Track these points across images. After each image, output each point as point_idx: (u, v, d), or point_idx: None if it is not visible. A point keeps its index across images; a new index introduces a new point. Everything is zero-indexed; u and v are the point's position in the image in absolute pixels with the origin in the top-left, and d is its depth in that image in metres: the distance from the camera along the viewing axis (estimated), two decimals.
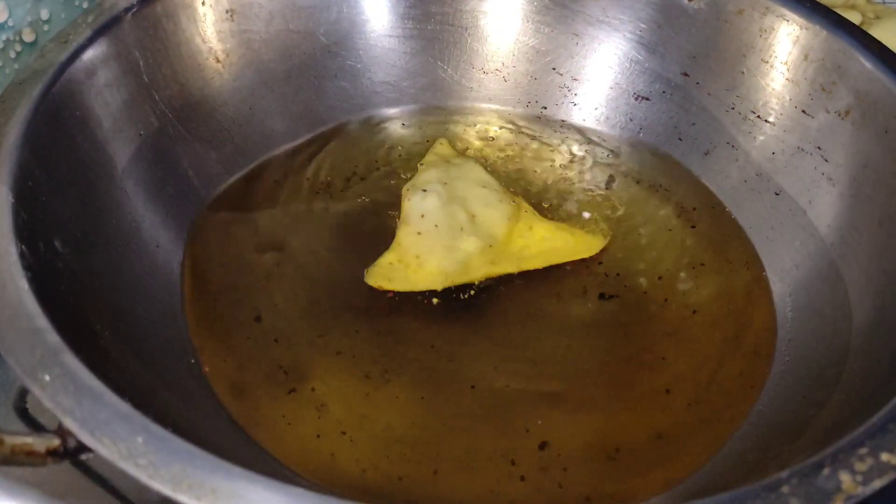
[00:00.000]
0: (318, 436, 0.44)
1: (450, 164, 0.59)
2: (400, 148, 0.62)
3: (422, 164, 0.60)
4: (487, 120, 0.65)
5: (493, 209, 0.55)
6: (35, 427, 0.48)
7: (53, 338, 0.34)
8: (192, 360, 0.47)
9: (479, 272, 0.53)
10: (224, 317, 0.50)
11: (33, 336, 0.34)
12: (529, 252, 0.54)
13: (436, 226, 0.54)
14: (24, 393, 0.50)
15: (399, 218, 0.55)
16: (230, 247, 0.54)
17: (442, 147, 0.62)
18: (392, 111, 0.65)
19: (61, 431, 0.32)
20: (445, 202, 0.55)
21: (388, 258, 0.53)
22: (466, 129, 0.64)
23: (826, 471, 0.30)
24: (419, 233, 0.54)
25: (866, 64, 0.51)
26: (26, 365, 0.33)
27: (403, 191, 0.57)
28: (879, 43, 0.52)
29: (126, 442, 0.31)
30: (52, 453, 0.31)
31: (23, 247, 0.38)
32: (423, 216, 0.54)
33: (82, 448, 0.31)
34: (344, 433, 0.44)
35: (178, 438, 0.31)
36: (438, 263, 0.52)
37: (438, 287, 0.52)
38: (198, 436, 0.35)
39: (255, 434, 0.43)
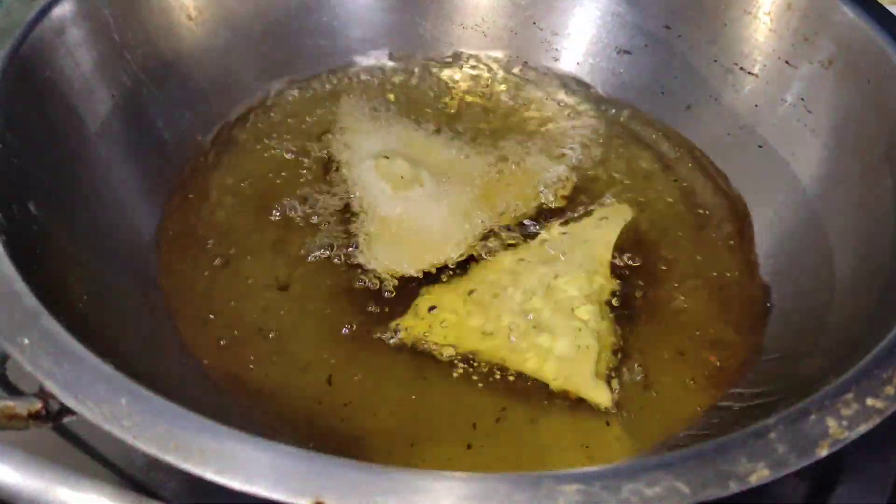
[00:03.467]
0: (320, 402, 0.44)
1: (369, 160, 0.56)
2: (378, 108, 0.61)
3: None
4: (468, 76, 0.64)
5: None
6: (15, 394, 0.48)
7: (31, 301, 0.34)
8: (171, 322, 0.46)
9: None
10: (202, 278, 0.49)
11: (11, 299, 0.34)
12: None
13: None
14: (3, 359, 0.49)
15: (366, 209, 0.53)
16: (207, 208, 0.53)
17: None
18: (370, 67, 0.64)
19: (43, 394, 0.31)
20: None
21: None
22: (446, 85, 0.63)
23: (813, 417, 0.31)
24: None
25: (849, 13, 0.51)
26: (5, 328, 0.32)
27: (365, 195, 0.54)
28: None
29: (109, 403, 0.30)
30: (35, 416, 0.31)
31: None
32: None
33: (65, 410, 0.31)
34: (346, 404, 0.44)
35: (162, 399, 0.30)
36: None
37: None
38: (180, 396, 0.35)
39: (237, 391, 0.43)
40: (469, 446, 0.42)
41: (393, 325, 0.47)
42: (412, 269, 0.49)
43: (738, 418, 0.41)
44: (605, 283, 0.48)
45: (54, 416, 0.31)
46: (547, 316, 0.46)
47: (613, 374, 0.45)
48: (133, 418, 0.30)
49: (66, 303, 0.38)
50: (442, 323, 0.46)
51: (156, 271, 0.48)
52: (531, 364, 0.45)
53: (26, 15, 0.47)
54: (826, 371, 0.38)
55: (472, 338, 0.46)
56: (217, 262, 0.50)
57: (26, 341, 0.32)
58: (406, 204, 0.53)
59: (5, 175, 0.41)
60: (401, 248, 0.51)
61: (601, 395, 0.44)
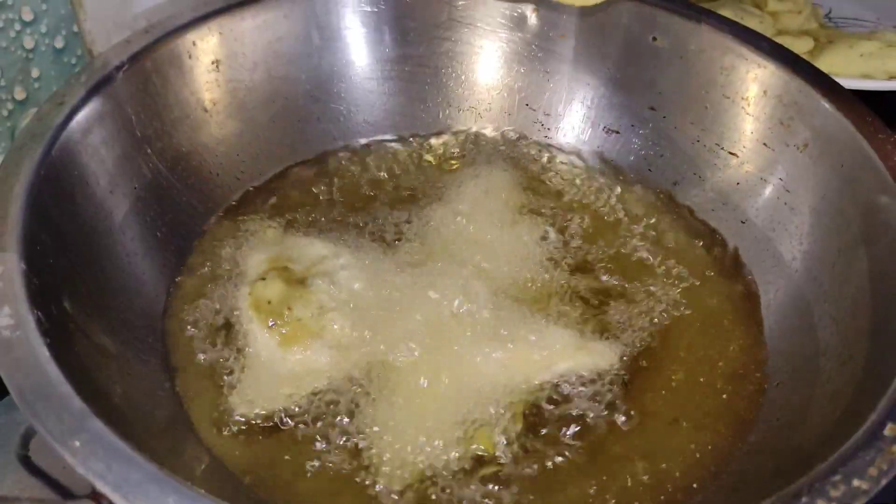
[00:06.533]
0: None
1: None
2: (381, 174, 0.65)
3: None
4: (464, 153, 0.68)
5: None
6: (40, 475, 0.49)
7: (78, 403, 0.36)
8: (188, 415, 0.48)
9: None
10: (217, 368, 0.51)
11: (59, 403, 0.36)
12: None
13: None
14: (26, 440, 0.51)
15: None
16: (219, 286, 0.55)
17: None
18: (371, 145, 0.67)
19: (95, 495, 0.33)
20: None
21: None
22: (443, 159, 0.67)
23: (804, 499, 0.34)
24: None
25: (821, 101, 0.55)
26: (56, 432, 0.35)
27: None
28: (833, 81, 0.56)
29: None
30: None
31: (38, 313, 0.40)
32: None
33: None
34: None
35: (209, 499, 0.33)
36: None
37: None
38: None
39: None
40: None
41: None
42: None
43: (736, 487, 0.44)
44: None
45: None
46: None
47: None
48: None
49: (106, 400, 0.41)
50: None
51: (174, 358, 0.51)
52: None
53: (56, 118, 0.49)
54: (816, 444, 0.41)
55: None
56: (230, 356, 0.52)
57: (77, 444, 0.34)
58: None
59: (43, 275, 0.43)
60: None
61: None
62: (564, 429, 0.48)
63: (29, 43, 0.54)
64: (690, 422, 0.49)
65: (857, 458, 0.35)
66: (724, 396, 0.50)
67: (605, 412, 0.49)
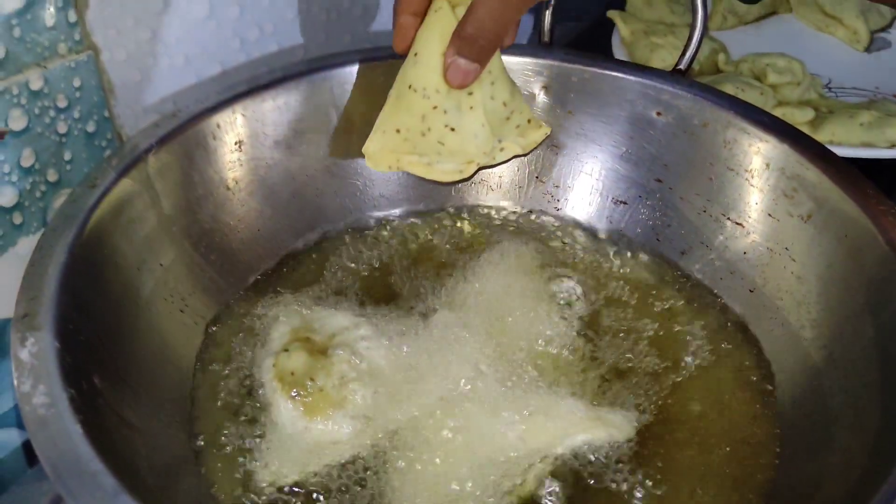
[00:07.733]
0: None
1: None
2: (398, 247, 0.67)
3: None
4: (477, 226, 0.70)
5: None
6: None
7: (110, 480, 0.37)
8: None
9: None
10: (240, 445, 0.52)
11: (92, 479, 0.37)
12: None
13: None
14: None
15: None
16: (243, 358, 0.57)
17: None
18: (387, 218, 0.69)
19: None
20: None
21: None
22: (456, 232, 0.69)
23: None
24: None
25: (822, 174, 0.57)
26: None
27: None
28: (832, 154, 0.58)
29: None
30: None
31: (72, 391, 0.41)
32: None
33: None
34: None
35: None
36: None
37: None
38: None
39: None
40: None
41: None
42: None
43: None
44: None
45: None
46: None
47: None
48: None
49: (135, 476, 0.42)
50: None
51: (198, 430, 0.52)
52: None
53: (89, 201, 0.52)
54: None
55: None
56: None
57: None
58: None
59: (76, 352, 0.45)
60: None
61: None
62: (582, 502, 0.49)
63: (62, 128, 0.57)
64: (707, 494, 0.49)
65: None
66: (739, 466, 0.51)
67: (621, 485, 0.49)
